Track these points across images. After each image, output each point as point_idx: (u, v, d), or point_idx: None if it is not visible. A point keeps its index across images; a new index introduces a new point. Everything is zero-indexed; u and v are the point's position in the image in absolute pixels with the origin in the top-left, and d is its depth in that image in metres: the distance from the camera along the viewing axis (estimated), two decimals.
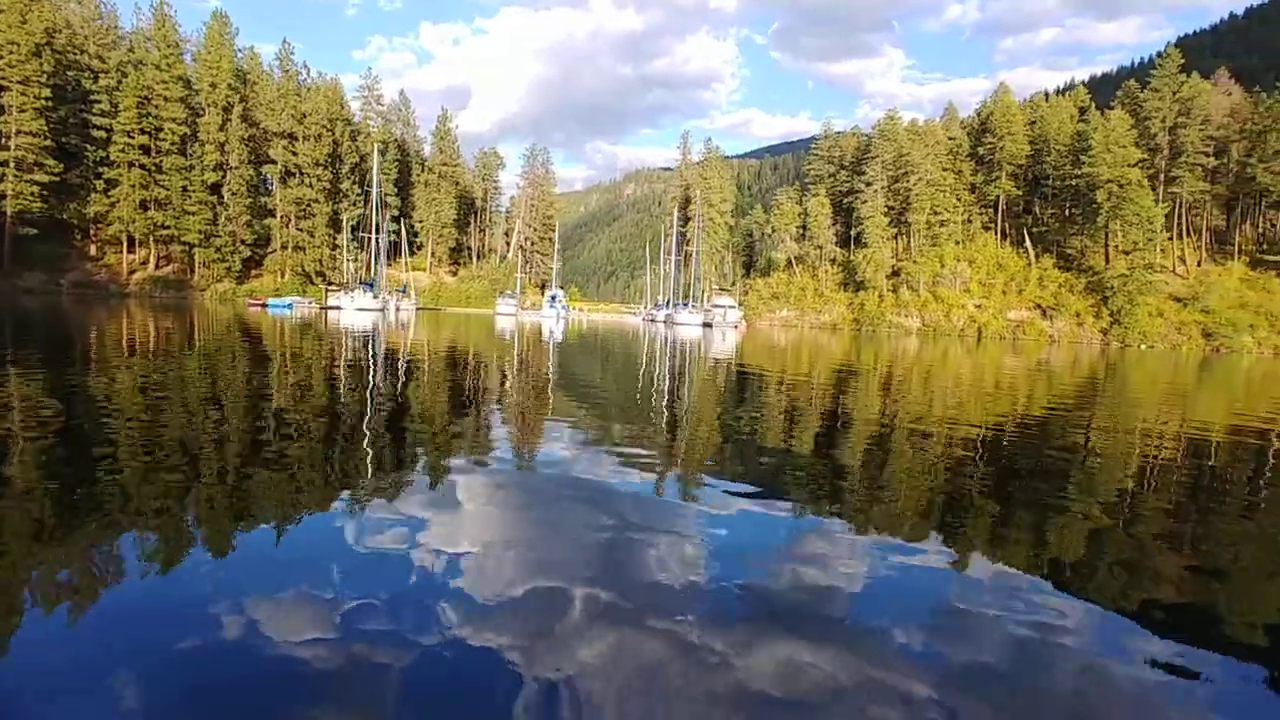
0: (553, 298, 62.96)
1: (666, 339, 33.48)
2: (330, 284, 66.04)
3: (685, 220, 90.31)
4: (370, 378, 11.41)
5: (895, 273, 73.22)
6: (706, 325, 54.87)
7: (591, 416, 8.50)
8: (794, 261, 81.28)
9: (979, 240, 74.37)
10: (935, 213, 72.03)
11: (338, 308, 48.56)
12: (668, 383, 13.40)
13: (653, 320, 63.09)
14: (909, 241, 74.09)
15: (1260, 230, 67.81)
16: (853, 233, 76.34)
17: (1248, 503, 5.79)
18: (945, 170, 73.35)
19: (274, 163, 67.98)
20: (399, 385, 10.65)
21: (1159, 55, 73.32)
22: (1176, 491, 5.95)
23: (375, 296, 49.87)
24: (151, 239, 63.94)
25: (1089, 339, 62.68)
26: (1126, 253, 63.08)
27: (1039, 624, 3.09)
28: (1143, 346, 58.18)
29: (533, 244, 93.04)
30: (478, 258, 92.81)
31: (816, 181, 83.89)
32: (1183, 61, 68.77)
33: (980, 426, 9.17)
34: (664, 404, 10.22)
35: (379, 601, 2.96)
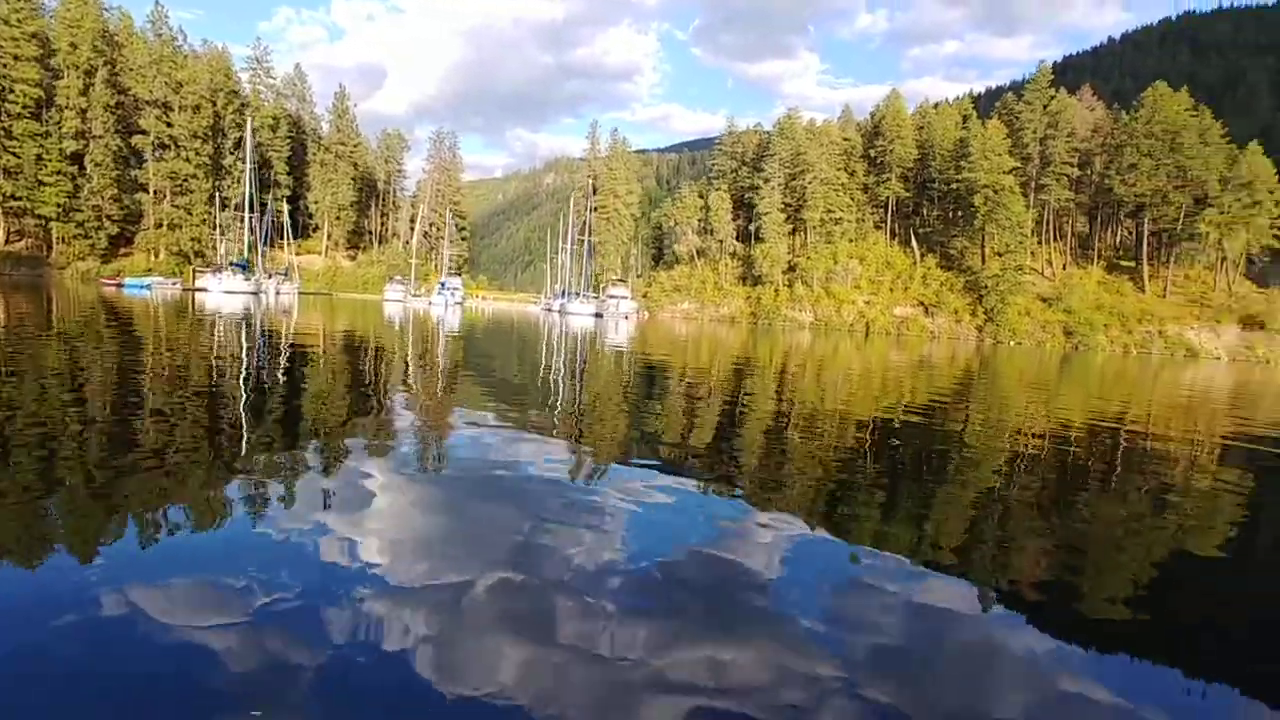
0: (443, 284, 61.55)
1: (557, 329, 33.35)
2: (214, 265, 62.71)
3: (593, 209, 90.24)
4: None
5: (791, 268, 75.26)
6: (598, 315, 54.96)
7: (471, 406, 8.42)
8: (696, 255, 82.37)
9: (870, 239, 77.28)
10: (829, 211, 74.38)
11: (205, 290, 46.08)
12: (544, 373, 13.37)
13: (549, 310, 62.75)
14: (805, 238, 76.26)
15: (1118, 238, 73.14)
16: (752, 228, 78.00)
17: (1101, 487, 6.35)
18: (839, 170, 75.82)
19: (145, 133, 63.82)
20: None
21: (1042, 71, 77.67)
22: (1043, 478, 6.51)
23: (248, 278, 47.51)
24: (1, 210, 58.96)
25: (966, 335, 66.14)
26: (1000, 254, 66.85)
27: (929, 602, 3.34)
28: (1012, 343, 61.82)
29: (439, 230, 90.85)
30: (379, 242, 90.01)
31: (719, 177, 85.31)
32: (1052, 77, 73.29)
33: (870, 418, 9.64)
34: (540, 394, 10.19)
35: (279, 599, 2.80)
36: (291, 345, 14.63)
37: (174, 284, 51.53)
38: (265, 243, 59.41)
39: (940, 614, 3.25)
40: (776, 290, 74.43)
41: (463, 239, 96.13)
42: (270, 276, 52.45)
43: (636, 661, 2.59)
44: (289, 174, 77.16)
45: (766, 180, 75.81)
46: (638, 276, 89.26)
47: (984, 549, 4.27)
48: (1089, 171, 70.48)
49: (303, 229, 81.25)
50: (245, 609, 2.72)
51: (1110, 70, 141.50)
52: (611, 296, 61.92)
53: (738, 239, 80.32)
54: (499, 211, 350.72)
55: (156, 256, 64.98)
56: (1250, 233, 64.04)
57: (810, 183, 73.89)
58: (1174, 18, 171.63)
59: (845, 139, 78.73)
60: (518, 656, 2.56)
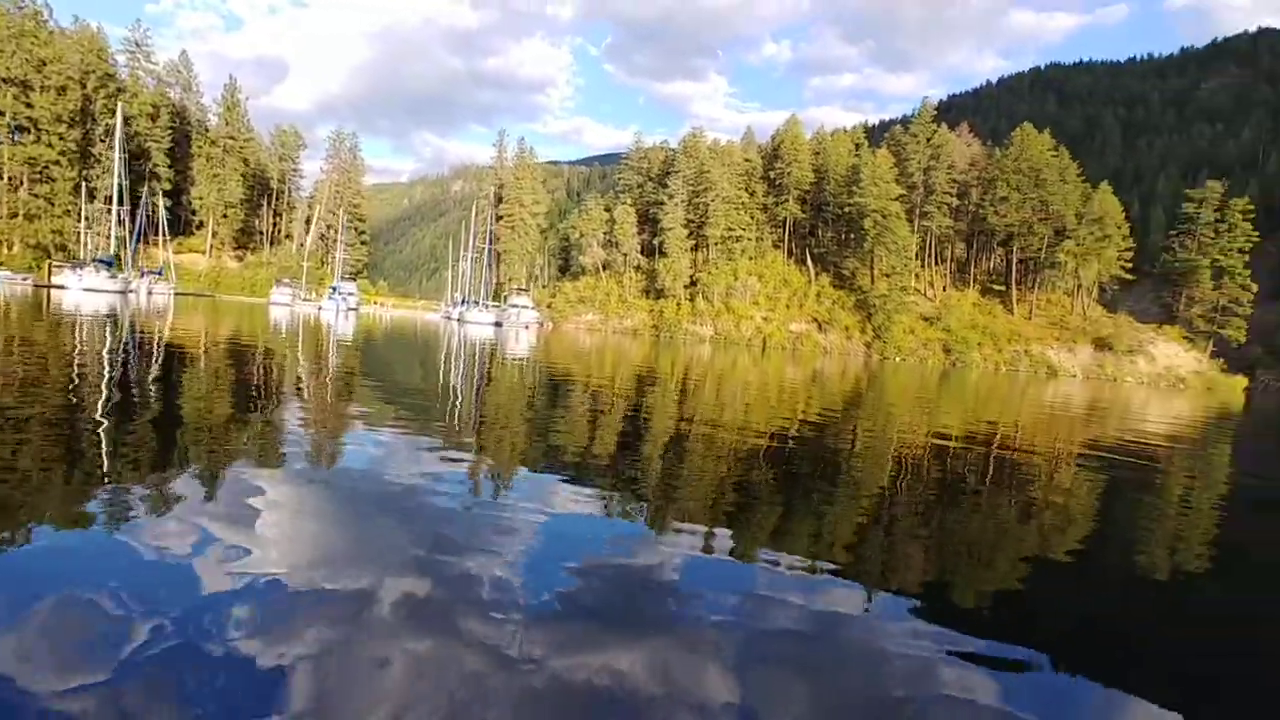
0: (334, 289, 58.93)
1: (456, 337, 32.57)
2: (75, 260, 57.42)
3: (498, 218, 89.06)
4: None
5: (693, 283, 76.82)
6: (497, 324, 54.15)
7: (366, 415, 8.10)
8: (601, 267, 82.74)
9: (769, 257, 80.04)
10: (730, 229, 76.54)
11: (63, 287, 42.16)
12: (443, 382, 12.94)
13: (448, 318, 61.32)
14: (707, 254, 78.10)
15: (991, 264, 79.02)
16: (656, 242, 79.15)
17: (976, 495, 6.73)
18: (741, 190, 78.23)
19: (0, 114, 58.02)
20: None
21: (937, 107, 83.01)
22: (925, 486, 6.85)
23: (114, 276, 43.84)
24: None
25: (855, 351, 69.48)
26: (887, 275, 70.77)
27: (822, 606, 3.49)
28: (897, 359, 65.44)
29: (336, 233, 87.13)
30: (271, 244, 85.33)
31: (625, 191, 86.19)
32: (935, 113, 78.67)
33: (767, 430, 9.84)
34: (439, 404, 9.76)
35: (154, 627, 2.54)
36: (166, 349, 13.65)
37: (25, 280, 46.85)
38: (138, 239, 55.03)
39: (833, 616, 3.42)
40: (679, 304, 75.77)
41: (362, 243, 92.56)
42: (143, 275, 48.67)
43: (541, 671, 2.60)
44: (170, 167, 72.00)
45: (671, 196, 77.24)
46: (543, 287, 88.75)
47: (873, 554, 4.50)
48: (966, 202, 75.87)
49: (185, 226, 75.96)
50: (112, 641, 2.53)
51: (988, 110, 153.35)
52: (513, 306, 61.20)
53: (642, 253, 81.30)
54: (405, 217, 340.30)
55: (10, 249, 58.99)
56: (1101, 263, 70.85)
57: (713, 200, 75.84)
58: (1042, 68, 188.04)
59: (747, 160, 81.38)
60: (420, 672, 2.51)
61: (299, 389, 9.94)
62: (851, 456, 8.49)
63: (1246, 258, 70.77)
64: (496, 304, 65.97)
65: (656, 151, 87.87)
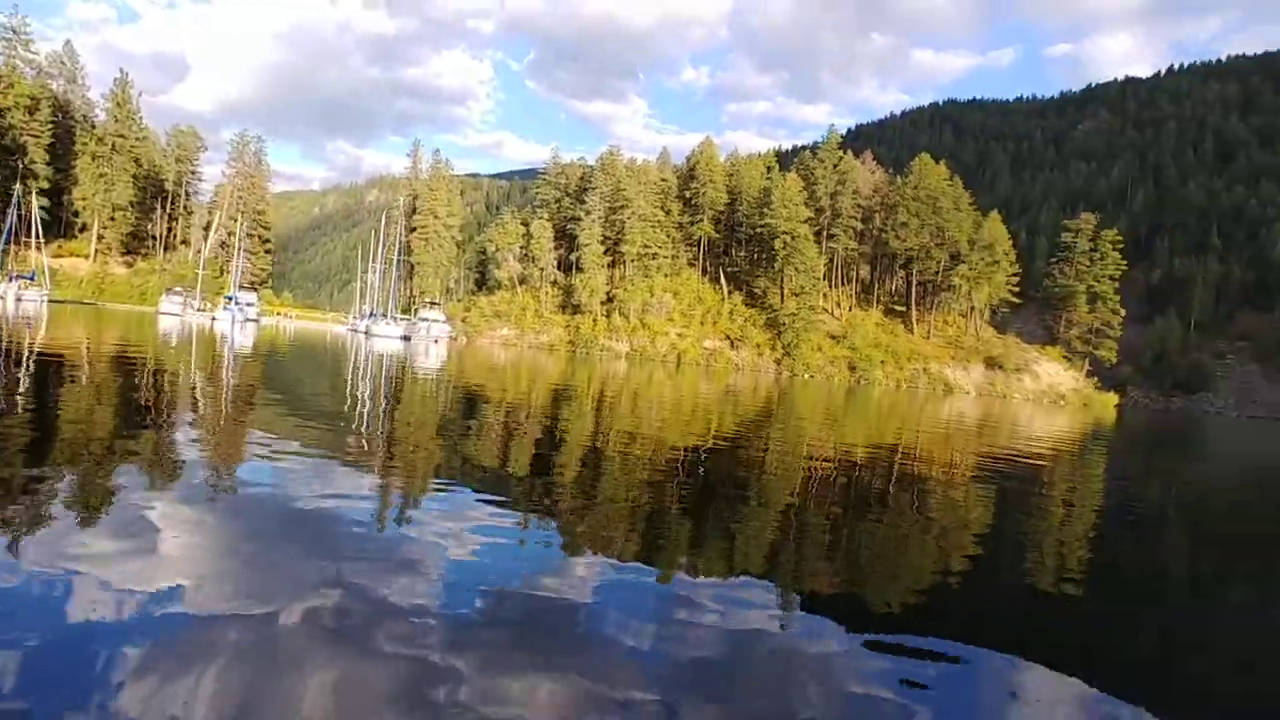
0: (230, 298, 55.69)
1: (362, 351, 31.41)
2: None
3: (412, 230, 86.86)
4: None
5: (609, 299, 77.08)
6: (405, 338, 52.60)
7: (266, 432, 7.68)
8: (517, 282, 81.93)
9: (684, 275, 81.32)
10: (646, 246, 77.36)
11: None
12: (348, 398, 12.32)
13: (355, 331, 59.11)
14: (623, 270, 78.62)
15: (893, 286, 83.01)
16: (573, 258, 79.09)
17: (880, 505, 7.00)
18: (657, 208, 79.31)
19: None
20: None
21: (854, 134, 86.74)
22: (832, 498, 7.06)
23: None
24: None
25: (766, 367, 71.32)
26: (796, 295, 73.15)
27: (737, 618, 3.55)
28: (806, 375, 67.58)
29: (239, 240, 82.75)
30: (165, 250, 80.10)
31: (542, 206, 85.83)
32: (842, 140, 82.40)
33: (682, 445, 9.93)
34: (345, 420, 9.21)
35: (26, 663, 2.34)
36: (38, 360, 12.58)
37: None
38: (8, 240, 50.62)
39: (748, 628, 3.48)
40: (595, 320, 75.83)
41: (266, 251, 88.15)
42: (11, 279, 44.74)
43: (457, 696, 2.55)
44: (49, 164, 66.64)
45: (588, 213, 77.45)
46: (458, 300, 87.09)
47: (785, 565, 4.64)
48: (870, 226, 79.52)
49: (65, 228, 70.35)
50: None
51: (893, 140, 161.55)
52: (423, 319, 59.54)
53: (559, 268, 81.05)
54: (315, 226, 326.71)
55: None
56: (991, 287, 75.66)
57: (629, 218, 76.53)
58: (940, 103, 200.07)
59: (663, 179, 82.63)
60: (332, 703, 2.42)
61: (194, 404, 9.37)
62: (764, 470, 8.71)
63: (1116, 284, 77.29)
64: (406, 317, 64.11)
65: (574, 168, 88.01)
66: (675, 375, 39.86)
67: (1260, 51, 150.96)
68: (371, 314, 62.61)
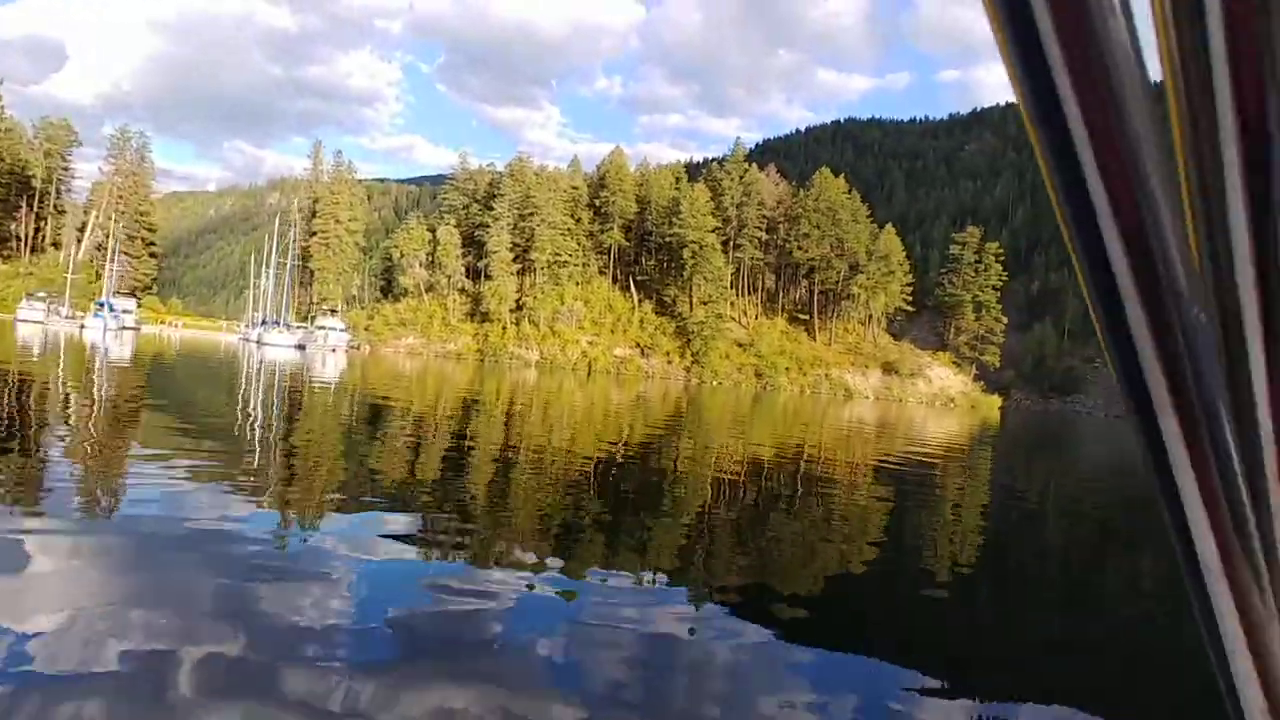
0: (103, 304, 51.76)
1: (253, 361, 29.77)
2: None
3: (312, 234, 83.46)
4: None
5: (519, 307, 76.32)
6: (300, 347, 50.34)
7: (149, 450, 6.58)
8: (424, 289, 79.98)
9: (594, 283, 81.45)
10: (556, 254, 77.10)
11: None
12: (239, 412, 11.50)
13: (246, 340, 56.15)
14: (533, 278, 78.04)
15: (796, 295, 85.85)
16: (481, 265, 77.94)
17: (787, 508, 7.19)
18: (567, 216, 79.21)
19: None
20: None
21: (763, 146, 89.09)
22: (741, 503, 7.18)
23: None
24: None
25: (676, 375, 72.24)
26: (705, 303, 74.55)
27: (652, 624, 3.56)
28: (714, 382, 68.86)
29: (114, 242, 77.24)
30: (33, 251, 73.80)
31: (450, 212, 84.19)
32: (748, 153, 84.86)
33: (594, 454, 9.84)
34: (236, 437, 8.81)
35: None
36: None
37: None
38: None
39: (662, 633, 3.51)
40: (504, 328, 74.91)
41: (151, 255, 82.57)
42: None
43: (375, 715, 2.48)
44: None
45: (496, 219, 76.55)
46: (362, 308, 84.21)
47: (696, 569, 4.74)
48: (775, 236, 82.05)
49: None
50: None
51: (798, 155, 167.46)
52: (320, 327, 57.10)
53: (467, 275, 79.68)
54: (210, 229, 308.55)
55: None
56: (887, 296, 79.38)
57: (538, 225, 76.10)
58: (842, 121, 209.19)
59: (574, 187, 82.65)
60: None
61: (64, 420, 8.61)
62: (675, 477, 8.84)
63: (999, 294, 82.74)
64: (303, 325, 61.39)
65: (483, 174, 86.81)
66: (586, 384, 39.80)
67: None
68: (264, 322, 59.60)
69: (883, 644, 3.82)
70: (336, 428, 11.12)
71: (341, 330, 57.57)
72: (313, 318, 65.16)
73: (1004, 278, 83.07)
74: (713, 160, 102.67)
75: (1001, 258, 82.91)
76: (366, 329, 74.37)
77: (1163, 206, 0.22)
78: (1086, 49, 0.20)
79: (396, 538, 4.74)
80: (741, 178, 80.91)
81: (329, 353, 48.35)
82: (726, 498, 7.60)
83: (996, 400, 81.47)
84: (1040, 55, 0.21)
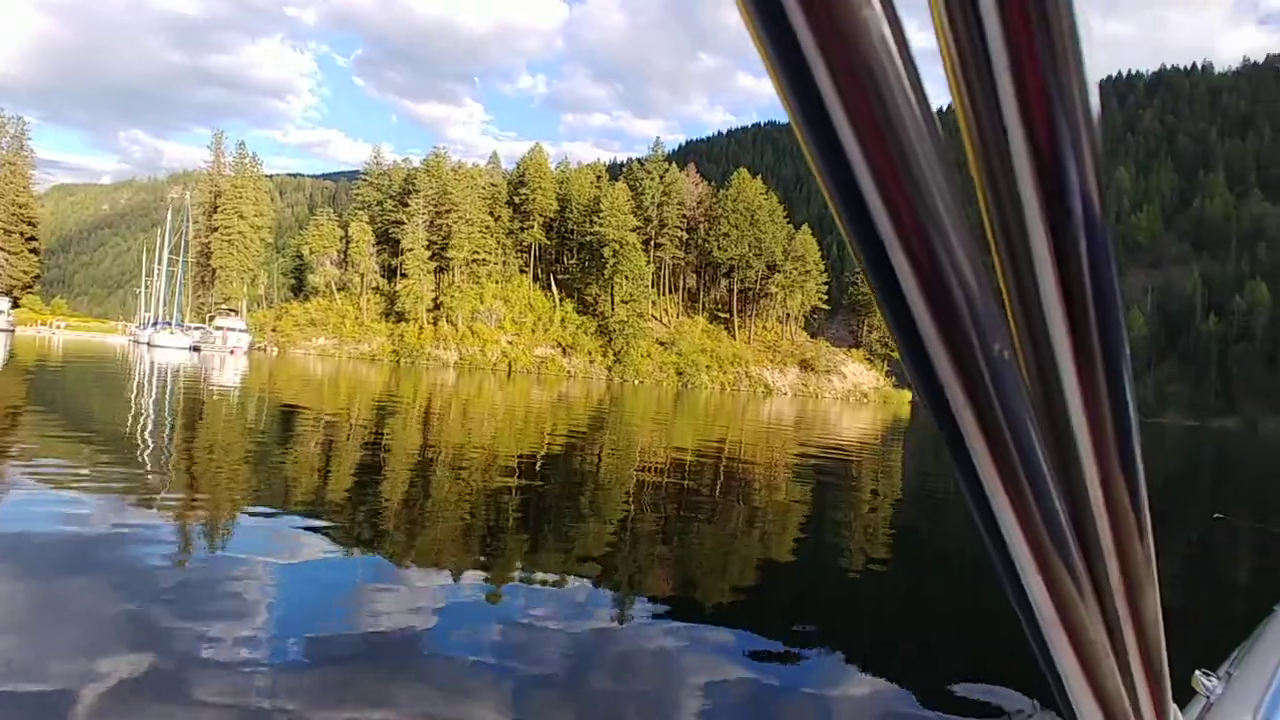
0: None
1: (144, 364, 27.80)
2: None
3: (213, 230, 79.25)
4: None
5: (436, 306, 74.51)
6: (195, 349, 47.59)
7: (22, 460, 5.82)
8: (336, 288, 77.11)
9: (515, 281, 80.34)
10: (475, 252, 75.64)
11: None
12: (135, 417, 11.07)
13: (136, 341, 52.71)
14: (451, 277, 76.32)
15: (717, 294, 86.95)
16: (396, 263, 75.70)
17: (710, 507, 7.21)
18: (486, 214, 77.81)
19: None
20: None
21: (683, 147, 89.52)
22: (664, 500, 7.20)
23: None
24: None
25: (598, 374, 71.99)
26: (625, 302, 74.54)
27: (578, 624, 3.56)
28: (636, 381, 68.94)
29: None
30: None
31: (363, 208, 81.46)
32: (668, 153, 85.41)
33: (515, 455, 9.76)
34: (129, 445, 7.35)
35: None
36: None
37: None
38: None
39: (590, 634, 3.50)
40: (421, 328, 73.00)
41: (31, 251, 76.49)
42: None
43: None
44: None
45: (411, 216, 74.50)
46: (270, 308, 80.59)
47: (621, 568, 4.70)
48: (695, 236, 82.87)
49: None
50: None
51: (720, 156, 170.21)
52: (219, 328, 54.05)
53: (382, 274, 77.24)
54: (105, 224, 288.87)
55: None
56: (804, 295, 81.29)
57: (455, 222, 74.46)
58: (762, 124, 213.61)
59: (493, 184, 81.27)
60: None
61: None
62: (598, 477, 8.77)
63: None
64: (200, 325, 58.09)
65: (398, 169, 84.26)
66: (507, 384, 39.20)
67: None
68: (155, 323, 56.08)
69: (806, 629, 3.90)
70: (234, 435, 10.44)
71: (242, 331, 54.61)
72: (212, 318, 61.71)
73: None
74: (636, 161, 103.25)
75: None
76: (274, 330, 71.27)
77: (957, 246, 0.22)
78: (855, 71, 0.19)
79: (312, 545, 4.56)
80: (662, 177, 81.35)
81: (228, 355, 45.87)
82: (650, 495, 7.59)
83: (906, 394, 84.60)
84: (811, 81, 0.20)
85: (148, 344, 48.12)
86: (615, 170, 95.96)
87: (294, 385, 22.89)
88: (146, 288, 65.17)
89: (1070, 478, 0.27)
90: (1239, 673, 1.22)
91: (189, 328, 54.53)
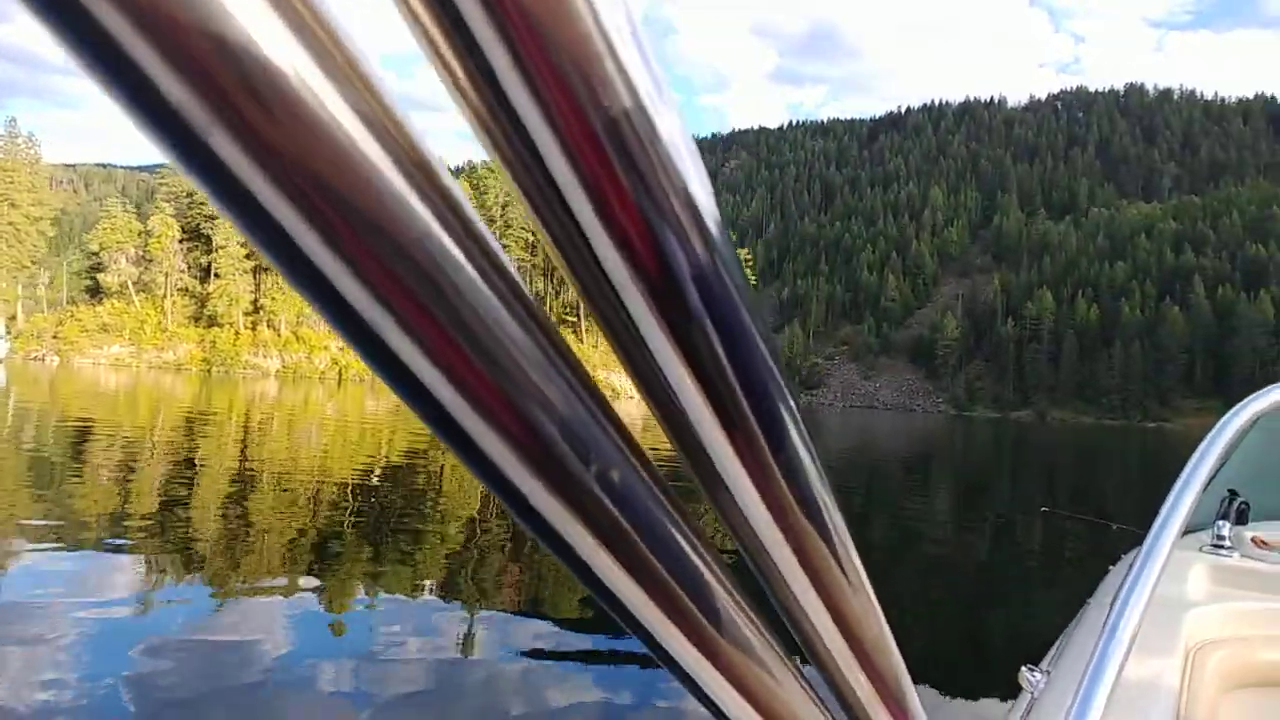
0: None
1: None
2: None
3: None
4: None
5: (255, 309, 68.14)
6: None
7: None
8: (133, 289, 68.48)
9: None
10: None
11: None
12: None
13: None
14: (274, 277, 70.08)
15: (565, 299, 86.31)
16: (208, 261, 68.48)
17: None
18: None
19: None
20: None
21: None
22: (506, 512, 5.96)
23: None
24: None
25: None
26: None
27: (427, 637, 3.50)
28: None
29: None
30: None
31: (169, 200, 73.12)
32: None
33: (344, 471, 9.15)
34: None
35: None
36: None
37: None
38: None
39: (439, 651, 3.37)
40: (237, 333, 66.44)
41: None
42: None
43: None
44: None
45: None
46: (52, 311, 70.56)
47: (466, 582, 4.54)
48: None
49: None
50: None
51: None
52: None
53: (192, 274, 69.57)
54: None
55: None
56: None
57: None
58: None
59: None
60: None
61: None
62: (438, 488, 8.41)
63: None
64: None
65: None
66: (337, 394, 36.71)
67: (848, 117, 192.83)
68: None
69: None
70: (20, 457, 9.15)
71: (0, 338, 46.73)
72: None
73: (756, 284, 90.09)
74: (482, 162, 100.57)
75: (752, 265, 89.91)
76: (55, 337, 62.33)
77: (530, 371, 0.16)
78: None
79: (122, 579, 4.15)
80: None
81: None
82: (496, 506, 7.01)
83: None
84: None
85: None
86: (459, 171, 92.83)
87: (80, 401, 19.86)
88: None
89: (746, 536, 0.24)
90: (1057, 667, 1.24)
91: None
